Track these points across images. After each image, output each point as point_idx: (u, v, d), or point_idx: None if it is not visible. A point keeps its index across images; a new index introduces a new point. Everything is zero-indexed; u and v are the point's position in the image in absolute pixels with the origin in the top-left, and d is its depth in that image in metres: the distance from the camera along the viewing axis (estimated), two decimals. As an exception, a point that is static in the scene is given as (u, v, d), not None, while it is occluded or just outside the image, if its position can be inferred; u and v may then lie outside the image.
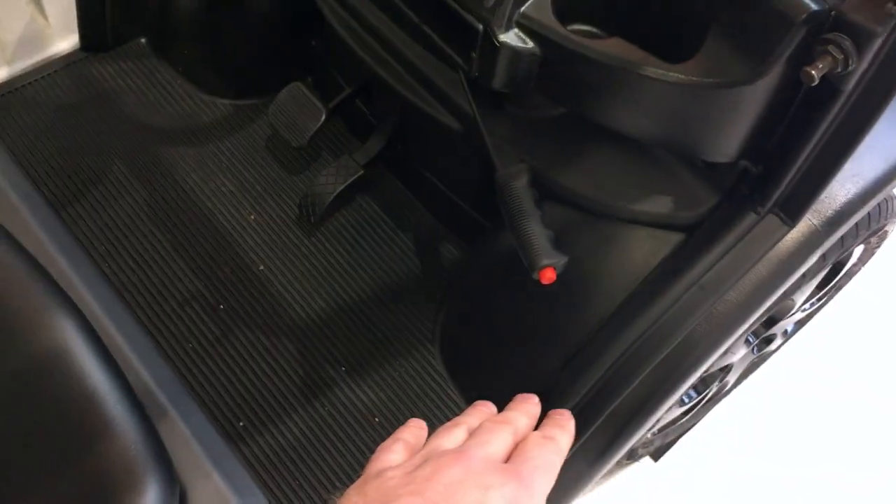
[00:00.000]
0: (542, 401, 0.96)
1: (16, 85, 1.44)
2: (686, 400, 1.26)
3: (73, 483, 0.68)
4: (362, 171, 1.29)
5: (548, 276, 0.84)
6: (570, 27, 0.85)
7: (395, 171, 1.40)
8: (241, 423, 1.15)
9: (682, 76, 0.76)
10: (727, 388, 1.49)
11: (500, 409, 1.13)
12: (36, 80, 1.44)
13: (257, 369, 1.21)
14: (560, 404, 1.00)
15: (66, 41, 1.53)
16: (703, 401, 1.34)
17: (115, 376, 0.73)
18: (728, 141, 0.83)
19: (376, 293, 1.30)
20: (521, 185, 0.88)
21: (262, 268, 1.30)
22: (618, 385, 0.96)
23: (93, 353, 0.73)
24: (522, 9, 0.82)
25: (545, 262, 0.84)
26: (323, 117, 1.29)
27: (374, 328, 1.27)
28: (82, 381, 0.71)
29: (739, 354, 1.27)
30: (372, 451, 0.80)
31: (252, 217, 1.34)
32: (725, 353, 1.06)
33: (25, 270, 0.77)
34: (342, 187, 1.29)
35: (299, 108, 1.30)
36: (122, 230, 1.29)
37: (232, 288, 1.27)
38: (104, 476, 0.68)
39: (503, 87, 0.87)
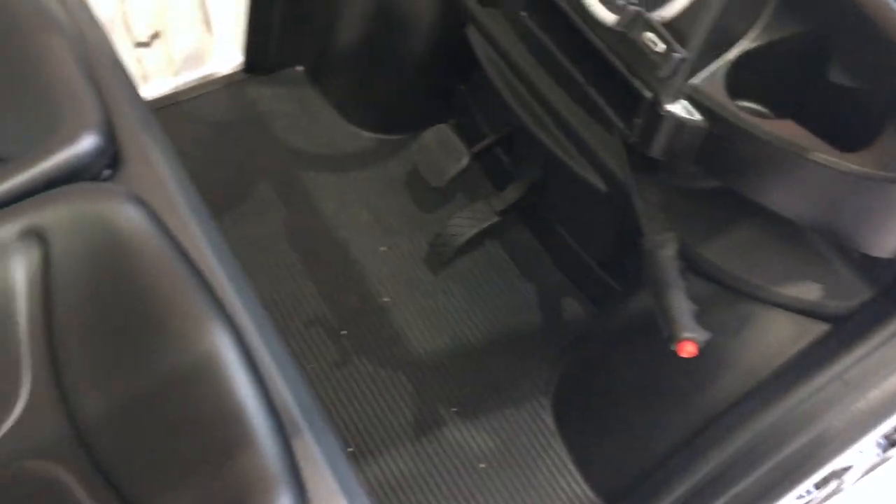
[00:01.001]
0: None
1: (179, 98, 1.53)
2: (804, 494, 1.21)
3: (211, 487, 0.71)
4: (497, 219, 1.31)
5: (688, 349, 0.83)
6: (737, 103, 0.85)
7: (528, 221, 1.41)
8: (349, 449, 1.17)
9: (855, 166, 0.75)
10: (843, 486, 1.42)
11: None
12: (199, 96, 1.53)
13: (371, 398, 1.23)
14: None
15: (229, 62, 1.62)
16: (820, 498, 1.29)
17: (260, 389, 0.76)
18: (892, 236, 0.81)
19: (495, 339, 1.31)
20: (668, 255, 0.87)
21: (386, 299, 1.33)
22: (740, 472, 0.93)
23: (242, 364, 0.76)
24: (694, 81, 0.83)
25: (687, 335, 0.83)
26: (465, 161, 1.31)
27: (489, 373, 1.28)
28: (230, 390, 0.74)
29: (866, 455, 1.21)
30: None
31: (383, 249, 1.38)
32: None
33: (188, 277, 0.81)
34: (475, 232, 1.31)
35: (442, 149, 1.33)
36: (259, 246, 1.35)
37: (356, 315, 1.31)
38: (241, 485, 0.70)
39: (662, 156, 0.88)
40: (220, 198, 1.38)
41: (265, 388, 0.76)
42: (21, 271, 0.81)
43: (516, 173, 1.35)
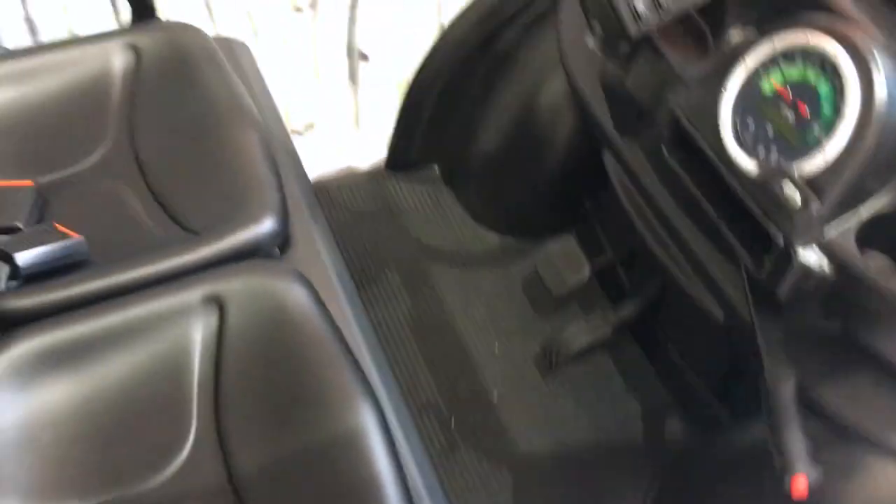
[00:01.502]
0: None
1: (325, 185, 1.67)
2: None
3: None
4: (610, 333, 1.37)
5: (799, 487, 0.86)
6: (866, 251, 0.90)
7: (640, 336, 1.46)
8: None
9: (981, 331, 0.79)
10: None
11: None
12: (342, 185, 1.66)
13: (473, 490, 1.28)
14: None
15: (372, 157, 1.76)
16: None
17: (396, 467, 0.83)
18: None
19: (596, 449, 1.35)
20: (788, 392, 0.91)
21: (496, 396, 1.39)
22: None
23: (383, 442, 0.84)
24: (826, 232, 0.88)
25: (801, 468, 0.86)
26: (586, 274, 1.38)
27: (588, 482, 1.31)
28: (371, 466, 0.81)
29: None
30: None
31: (497, 347, 1.45)
32: None
33: (342, 355, 0.90)
34: (588, 343, 1.37)
35: (566, 260, 1.41)
36: (385, 329, 1.44)
37: (466, 406, 1.37)
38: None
39: (788, 298, 0.93)
40: (355, 280, 1.49)
41: (400, 466, 0.84)
42: (199, 332, 0.92)
43: (634, 291, 1.41)
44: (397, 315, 1.48)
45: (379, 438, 0.84)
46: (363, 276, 1.52)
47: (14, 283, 0.94)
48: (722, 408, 1.27)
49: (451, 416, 1.36)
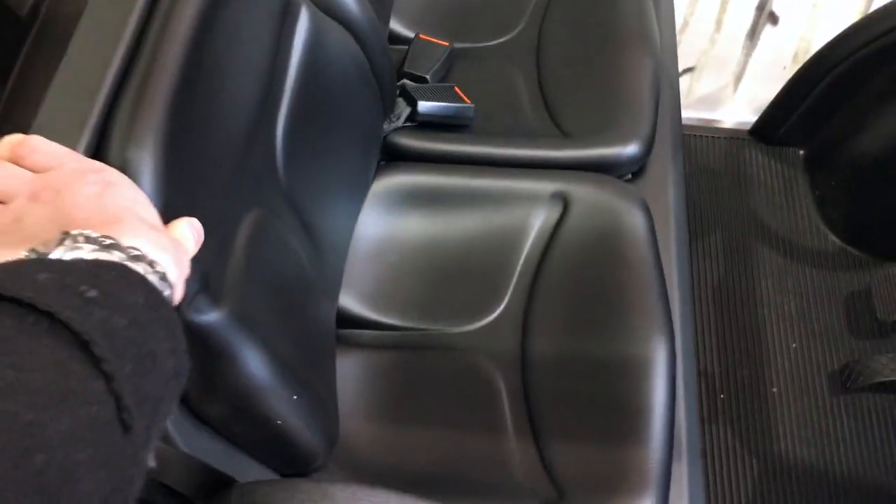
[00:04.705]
0: None
1: (687, 130, 1.67)
2: None
3: (600, 460, 0.85)
4: (920, 379, 1.28)
5: None
6: None
7: (954, 398, 1.34)
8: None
9: None
10: None
11: None
12: (703, 135, 1.66)
13: (715, 466, 1.29)
14: None
15: (738, 118, 1.73)
16: None
17: (671, 404, 0.87)
18: None
19: (853, 483, 1.28)
20: None
21: (774, 390, 1.36)
22: None
23: (667, 378, 0.87)
24: None
25: None
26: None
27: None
28: (649, 394, 0.85)
29: None
30: None
31: (794, 345, 1.41)
32: None
33: (656, 287, 0.94)
34: (893, 380, 1.29)
35: (905, 289, 1.32)
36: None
37: (741, 388, 1.36)
38: (623, 468, 0.83)
39: None
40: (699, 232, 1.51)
41: (673, 408, 0.88)
42: (539, 220, 1.02)
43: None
44: (707, 277, 1.48)
45: (664, 376, 0.88)
46: (692, 228, 1.53)
47: (410, 125, 1.09)
48: None
49: (721, 390, 1.36)
